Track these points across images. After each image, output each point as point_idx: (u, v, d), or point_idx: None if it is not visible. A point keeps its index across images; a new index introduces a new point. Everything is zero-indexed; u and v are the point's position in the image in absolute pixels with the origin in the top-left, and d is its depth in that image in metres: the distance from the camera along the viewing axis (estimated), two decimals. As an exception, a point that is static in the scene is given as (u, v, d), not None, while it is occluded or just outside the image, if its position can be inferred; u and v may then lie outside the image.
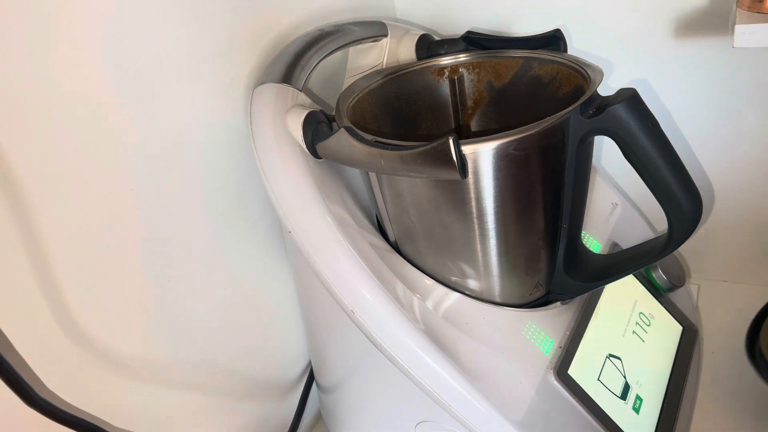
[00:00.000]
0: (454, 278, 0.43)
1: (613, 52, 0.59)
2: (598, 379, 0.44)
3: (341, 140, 0.37)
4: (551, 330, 0.44)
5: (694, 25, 0.55)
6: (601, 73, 0.39)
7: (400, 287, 0.40)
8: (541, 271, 0.44)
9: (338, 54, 0.47)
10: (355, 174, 0.45)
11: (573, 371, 0.43)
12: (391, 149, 0.34)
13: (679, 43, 0.56)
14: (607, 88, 0.58)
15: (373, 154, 0.35)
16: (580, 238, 0.46)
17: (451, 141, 0.32)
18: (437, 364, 0.37)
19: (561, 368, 0.42)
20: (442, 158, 0.33)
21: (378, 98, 0.46)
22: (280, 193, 0.40)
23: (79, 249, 0.35)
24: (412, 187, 0.39)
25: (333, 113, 0.42)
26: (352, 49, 0.52)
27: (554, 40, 0.46)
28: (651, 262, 0.43)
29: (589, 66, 0.41)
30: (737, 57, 0.55)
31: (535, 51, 0.45)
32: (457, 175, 0.33)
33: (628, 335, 0.50)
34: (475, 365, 0.39)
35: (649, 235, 0.59)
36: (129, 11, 0.36)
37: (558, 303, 0.47)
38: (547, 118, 0.36)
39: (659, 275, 0.55)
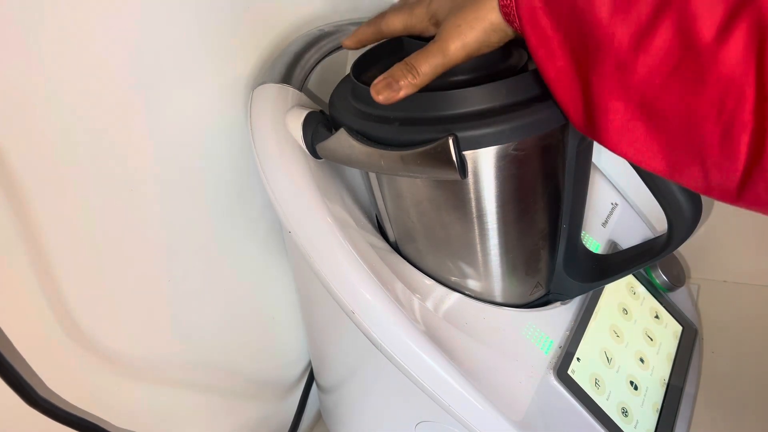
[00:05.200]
0: (454, 278, 0.43)
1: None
2: (598, 379, 0.45)
3: (341, 140, 0.37)
4: (551, 330, 0.44)
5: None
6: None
7: (399, 287, 0.40)
8: (541, 271, 0.44)
9: (338, 54, 0.47)
10: (355, 174, 0.45)
11: (573, 371, 0.43)
12: (391, 149, 0.34)
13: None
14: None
15: (373, 154, 0.35)
16: (580, 238, 0.46)
17: (450, 141, 0.32)
18: (437, 364, 0.37)
19: (561, 368, 0.42)
20: (441, 158, 0.33)
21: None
22: (280, 193, 0.40)
23: (80, 249, 0.35)
24: (412, 187, 0.39)
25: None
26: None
27: None
28: (651, 262, 0.43)
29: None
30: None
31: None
32: (456, 176, 0.33)
33: (628, 335, 0.50)
34: (475, 365, 0.39)
35: (649, 235, 0.59)
36: (129, 12, 0.36)
37: (558, 303, 0.47)
38: (547, 118, 0.36)
39: (659, 275, 0.55)
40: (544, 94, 0.34)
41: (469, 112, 0.34)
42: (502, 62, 0.38)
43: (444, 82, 0.37)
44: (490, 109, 0.34)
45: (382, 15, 0.39)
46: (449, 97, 0.34)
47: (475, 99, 0.34)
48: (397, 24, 0.37)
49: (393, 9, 0.38)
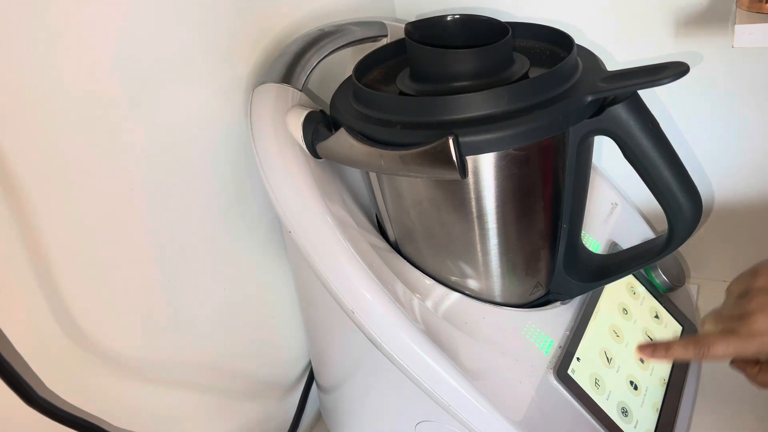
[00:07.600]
0: (454, 278, 0.43)
1: (613, 52, 0.59)
2: (598, 379, 0.44)
3: (341, 140, 0.37)
4: (551, 330, 0.44)
5: (693, 25, 0.55)
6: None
7: (400, 287, 0.40)
8: (541, 271, 0.44)
9: (338, 54, 0.47)
10: (355, 174, 0.45)
11: (573, 371, 0.43)
12: (391, 149, 0.34)
13: (679, 43, 0.56)
14: (607, 88, 0.58)
15: (373, 154, 0.35)
16: (580, 238, 0.46)
17: (450, 141, 0.32)
18: (437, 364, 0.37)
19: (561, 368, 0.42)
20: (442, 158, 0.33)
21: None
22: (280, 193, 0.40)
23: (80, 249, 0.35)
24: (412, 187, 0.39)
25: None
26: (352, 49, 0.52)
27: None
28: (651, 262, 0.43)
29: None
30: (737, 57, 0.55)
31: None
32: (457, 175, 0.33)
33: (628, 335, 0.50)
34: (475, 365, 0.39)
35: (649, 235, 0.59)
36: (130, 12, 0.36)
37: (558, 303, 0.47)
38: (547, 118, 0.36)
39: (659, 275, 0.55)
40: (545, 101, 0.34)
41: (471, 118, 0.34)
42: (504, 69, 0.38)
43: (446, 87, 0.37)
44: (491, 114, 0.34)
45: (699, 339, 0.43)
46: (451, 102, 0.34)
47: (477, 104, 0.34)
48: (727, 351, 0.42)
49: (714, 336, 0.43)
